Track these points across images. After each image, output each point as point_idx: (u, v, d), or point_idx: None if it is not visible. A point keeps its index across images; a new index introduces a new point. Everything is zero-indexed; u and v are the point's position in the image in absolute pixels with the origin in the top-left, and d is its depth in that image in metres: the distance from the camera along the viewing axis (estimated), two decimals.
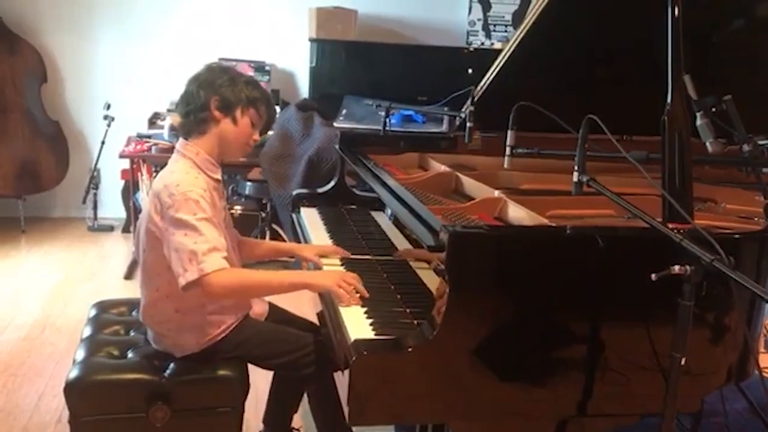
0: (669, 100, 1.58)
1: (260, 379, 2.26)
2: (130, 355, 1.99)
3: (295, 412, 2.27)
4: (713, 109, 1.84)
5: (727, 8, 2.29)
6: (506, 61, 2.40)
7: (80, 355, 1.97)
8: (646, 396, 1.60)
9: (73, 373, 1.86)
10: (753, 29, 2.37)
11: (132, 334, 2.12)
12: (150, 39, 5.30)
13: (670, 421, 1.42)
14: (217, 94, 1.88)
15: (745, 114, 1.83)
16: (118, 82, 5.26)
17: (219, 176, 1.96)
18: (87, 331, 2.12)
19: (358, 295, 1.79)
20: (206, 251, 1.75)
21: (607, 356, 1.58)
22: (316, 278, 1.96)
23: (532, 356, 1.56)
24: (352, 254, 2.18)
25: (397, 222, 2.39)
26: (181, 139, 1.95)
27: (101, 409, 1.84)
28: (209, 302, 1.90)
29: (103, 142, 4.89)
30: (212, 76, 1.91)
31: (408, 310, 1.75)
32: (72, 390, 1.83)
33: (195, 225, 1.76)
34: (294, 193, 2.92)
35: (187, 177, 1.84)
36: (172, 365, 1.92)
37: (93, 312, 2.26)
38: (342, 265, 2.10)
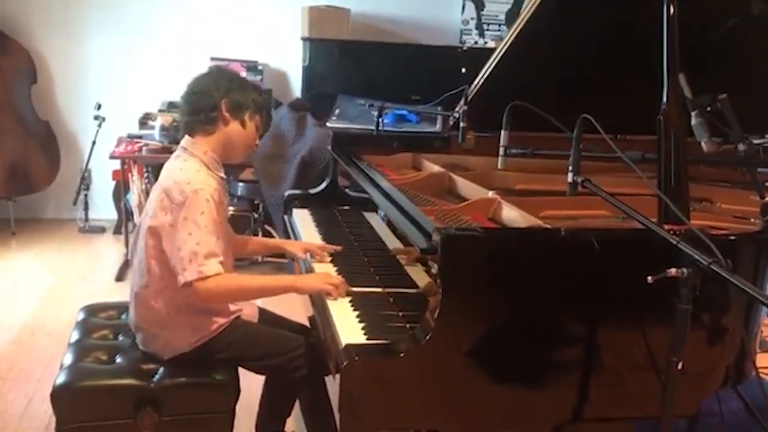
0: (664, 99, 1.56)
1: (253, 384, 2.23)
2: (118, 360, 1.95)
3: (288, 416, 2.25)
4: (708, 109, 1.82)
5: (723, 7, 2.27)
6: (499, 61, 2.38)
7: (67, 360, 1.94)
8: (643, 399, 1.59)
9: (60, 379, 1.83)
10: (749, 28, 2.35)
11: (120, 338, 2.08)
12: (141, 39, 5.25)
13: (668, 425, 1.40)
14: (229, 97, 1.92)
15: (741, 113, 1.82)
16: (109, 83, 5.22)
17: (223, 174, 1.99)
18: (75, 336, 2.09)
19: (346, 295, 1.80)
20: (207, 254, 1.78)
21: (603, 359, 1.56)
22: (302, 281, 1.98)
23: (527, 360, 1.54)
24: (344, 255, 2.15)
25: (390, 223, 2.37)
26: (186, 137, 1.96)
27: (89, 415, 1.81)
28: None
29: (93, 143, 4.83)
30: (222, 78, 1.95)
31: (401, 314, 1.72)
32: (59, 396, 1.80)
33: (201, 225, 1.79)
34: (286, 194, 2.89)
35: (198, 176, 1.86)
36: (161, 370, 1.89)
37: (81, 316, 2.22)
38: (334, 267, 2.08)
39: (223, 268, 1.81)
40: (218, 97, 1.90)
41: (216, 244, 1.81)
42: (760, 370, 2.91)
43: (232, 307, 1.97)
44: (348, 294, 1.82)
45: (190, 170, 1.88)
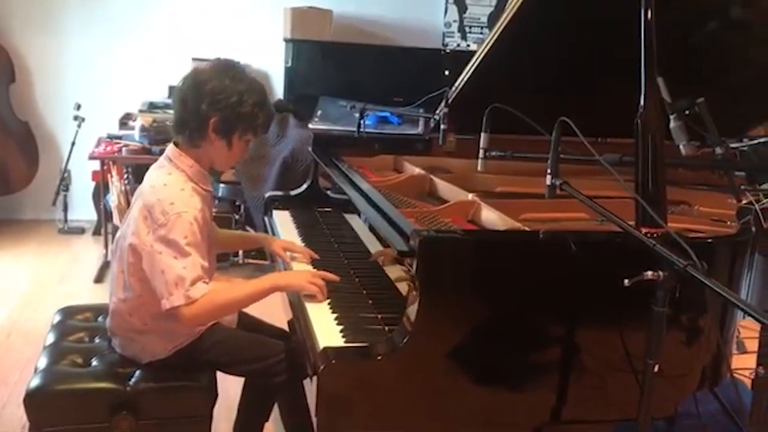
0: (642, 102, 1.56)
1: (231, 387, 2.21)
2: (94, 363, 1.92)
3: (266, 420, 2.23)
4: (686, 112, 1.84)
5: (702, 10, 2.28)
6: (480, 63, 2.38)
7: (42, 363, 1.91)
8: (622, 401, 1.58)
9: (34, 383, 1.80)
10: (727, 31, 2.37)
11: (97, 341, 2.05)
12: (121, 39, 5.21)
13: (645, 427, 1.40)
14: (219, 114, 1.76)
15: (719, 116, 1.83)
16: (89, 82, 5.17)
17: (210, 187, 1.91)
18: (50, 338, 2.06)
19: (326, 299, 1.78)
20: (194, 279, 1.72)
21: (582, 362, 1.57)
22: (285, 278, 1.95)
23: (506, 363, 1.54)
24: (324, 258, 2.14)
25: (371, 225, 2.36)
26: (172, 147, 1.87)
27: (63, 419, 1.78)
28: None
29: (73, 143, 4.78)
30: (220, 90, 1.77)
31: (379, 316, 1.72)
32: (32, 400, 1.77)
33: (185, 249, 1.72)
34: (266, 195, 2.87)
35: (182, 195, 1.78)
36: (137, 373, 1.86)
37: (57, 318, 2.19)
38: (314, 268, 2.06)
39: (207, 278, 1.76)
40: (207, 114, 1.76)
41: (201, 267, 1.75)
42: (739, 371, 2.95)
43: None
44: (333, 303, 1.79)
45: (174, 187, 1.79)
